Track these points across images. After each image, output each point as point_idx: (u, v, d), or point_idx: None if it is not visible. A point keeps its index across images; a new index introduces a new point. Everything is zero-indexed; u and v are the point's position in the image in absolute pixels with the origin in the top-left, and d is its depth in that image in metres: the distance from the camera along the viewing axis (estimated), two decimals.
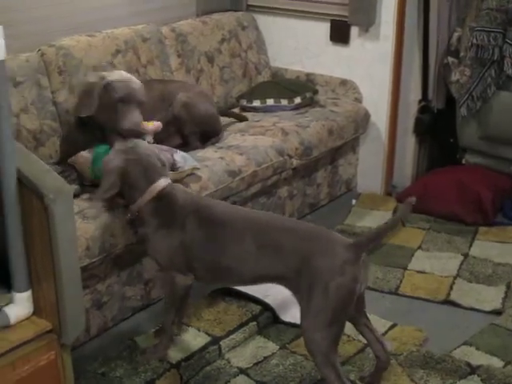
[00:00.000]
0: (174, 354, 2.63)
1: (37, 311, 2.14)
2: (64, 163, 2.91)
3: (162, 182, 2.50)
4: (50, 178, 2.01)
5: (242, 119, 3.79)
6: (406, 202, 2.32)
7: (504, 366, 2.66)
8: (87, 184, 2.82)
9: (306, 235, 2.35)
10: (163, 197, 2.49)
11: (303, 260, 2.27)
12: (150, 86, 3.05)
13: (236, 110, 3.97)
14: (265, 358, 2.72)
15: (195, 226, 2.45)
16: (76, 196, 2.69)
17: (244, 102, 3.96)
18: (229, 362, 2.68)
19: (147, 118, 2.91)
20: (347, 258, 2.24)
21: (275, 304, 2.94)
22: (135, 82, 2.87)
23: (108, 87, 2.78)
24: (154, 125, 2.93)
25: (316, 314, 2.24)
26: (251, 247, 2.37)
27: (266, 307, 2.95)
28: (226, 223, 2.44)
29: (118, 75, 2.87)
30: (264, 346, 2.79)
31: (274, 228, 2.40)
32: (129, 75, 2.91)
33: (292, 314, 2.92)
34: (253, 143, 3.39)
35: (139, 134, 2.75)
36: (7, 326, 2.06)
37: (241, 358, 2.71)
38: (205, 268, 2.49)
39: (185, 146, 3.28)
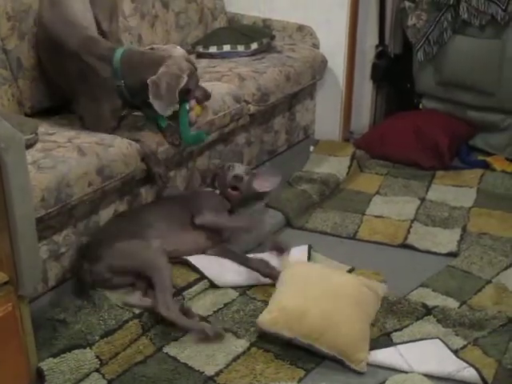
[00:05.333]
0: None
1: None
2: None
3: None
4: (0, 127, 1.96)
5: None
6: None
7: (459, 307, 2.71)
8: None
9: None
10: None
11: None
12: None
13: (192, 57, 3.91)
14: (225, 304, 2.74)
15: None
16: (30, 146, 2.64)
17: (200, 49, 3.91)
18: None
19: None
20: None
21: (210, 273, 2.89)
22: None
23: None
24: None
25: None
26: None
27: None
28: None
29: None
30: (224, 294, 2.80)
31: None
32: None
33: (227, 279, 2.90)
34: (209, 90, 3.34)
35: None
36: None
37: (201, 306, 2.71)
38: None
39: None
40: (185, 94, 2.94)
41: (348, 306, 2.50)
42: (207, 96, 3.08)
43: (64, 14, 2.95)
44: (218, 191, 3.18)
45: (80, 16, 3.01)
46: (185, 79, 2.87)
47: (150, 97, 2.82)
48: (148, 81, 2.81)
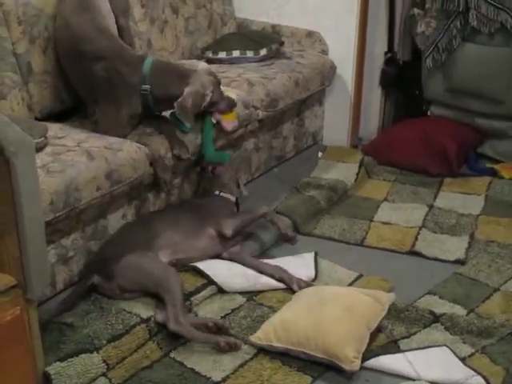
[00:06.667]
0: (145, 310, 2.61)
1: (0, 266, 2.11)
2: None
3: None
4: (10, 131, 1.97)
5: None
6: None
7: (467, 314, 2.70)
8: None
9: None
10: None
11: None
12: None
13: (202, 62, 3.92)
14: (232, 310, 2.73)
15: None
16: (39, 150, 2.65)
17: (209, 54, 3.91)
18: (197, 316, 2.68)
19: None
20: None
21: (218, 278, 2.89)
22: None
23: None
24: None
25: None
26: None
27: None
28: None
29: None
30: (231, 299, 2.80)
31: None
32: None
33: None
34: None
35: None
36: None
37: (209, 311, 2.71)
38: None
39: None
40: (209, 107, 3.03)
41: (336, 309, 2.50)
42: (232, 105, 3.18)
43: (95, 20, 3.01)
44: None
45: (111, 24, 3.10)
46: (209, 96, 2.99)
47: (178, 116, 2.95)
48: (175, 104, 2.92)
